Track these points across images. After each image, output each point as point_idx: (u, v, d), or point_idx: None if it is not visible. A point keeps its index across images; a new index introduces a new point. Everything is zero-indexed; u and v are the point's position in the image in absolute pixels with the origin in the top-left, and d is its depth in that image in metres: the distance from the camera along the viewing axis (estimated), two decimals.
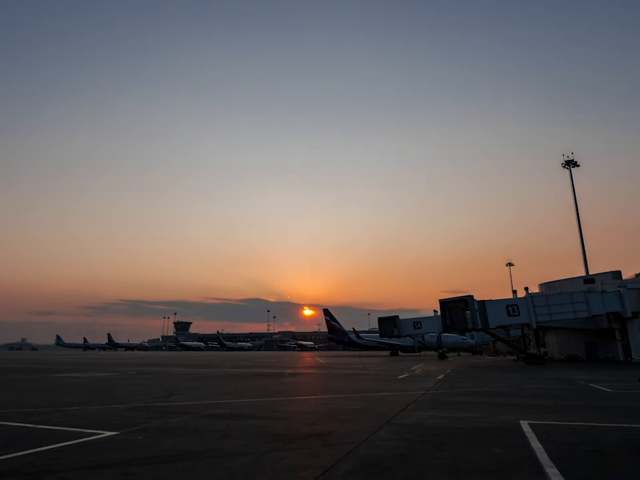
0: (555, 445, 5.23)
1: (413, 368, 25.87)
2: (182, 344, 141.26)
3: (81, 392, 12.18)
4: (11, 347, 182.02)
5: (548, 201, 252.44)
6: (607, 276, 35.99)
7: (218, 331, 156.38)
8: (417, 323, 42.84)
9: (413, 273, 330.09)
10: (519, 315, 30.50)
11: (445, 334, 46.46)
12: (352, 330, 74.76)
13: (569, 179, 48.60)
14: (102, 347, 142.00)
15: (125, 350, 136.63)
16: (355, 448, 5.16)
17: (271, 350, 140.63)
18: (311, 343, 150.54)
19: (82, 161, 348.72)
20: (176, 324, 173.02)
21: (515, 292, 34.94)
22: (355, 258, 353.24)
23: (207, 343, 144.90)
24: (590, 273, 42.13)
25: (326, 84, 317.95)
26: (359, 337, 72.91)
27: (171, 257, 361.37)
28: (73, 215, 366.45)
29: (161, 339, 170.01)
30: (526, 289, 32.71)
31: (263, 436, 5.90)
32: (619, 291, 30.93)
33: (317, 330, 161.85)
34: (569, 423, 6.88)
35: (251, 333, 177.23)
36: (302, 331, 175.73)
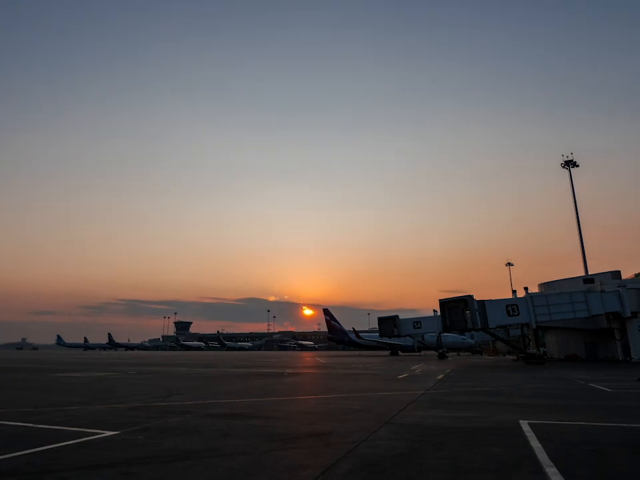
0: (554, 445, 5.24)
1: (413, 368, 25.88)
2: (182, 344, 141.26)
3: (81, 391, 12.19)
4: (19, 347, 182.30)
5: (547, 201, 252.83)
6: (607, 276, 36.01)
7: (218, 331, 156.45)
8: (417, 322, 42.90)
9: (413, 272, 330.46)
10: (518, 314, 30.52)
11: (444, 334, 46.51)
12: (352, 330, 74.77)
13: (569, 179, 48.65)
14: (102, 347, 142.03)
15: (126, 350, 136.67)
16: (355, 447, 5.17)
17: (271, 350, 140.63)
18: (311, 342, 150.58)
19: (81, 161, 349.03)
20: (176, 324, 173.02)
21: (514, 292, 34.94)
22: (354, 258, 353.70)
23: (207, 343, 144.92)
24: (589, 273, 42.15)
25: (325, 84, 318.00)
26: (359, 337, 72.95)
27: (170, 257, 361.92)
28: (71, 215, 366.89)
29: (161, 339, 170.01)
30: (525, 288, 32.73)
31: (263, 435, 5.91)
32: (618, 290, 30.96)
33: (317, 330, 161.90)
34: (568, 423, 6.89)
35: (251, 333, 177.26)
36: (302, 330, 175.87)
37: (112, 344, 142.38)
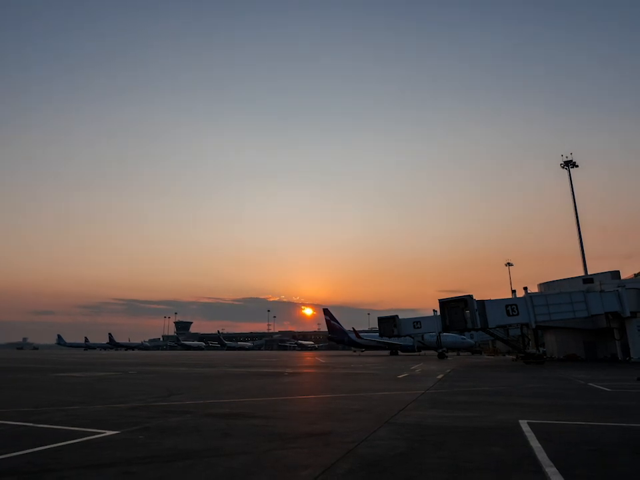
0: (553, 444, 5.25)
1: (413, 367, 25.90)
2: (182, 343, 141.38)
3: (81, 391, 12.19)
4: (19, 347, 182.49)
5: (547, 201, 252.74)
6: (606, 276, 36.05)
7: (218, 331, 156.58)
8: (417, 322, 42.91)
9: (413, 272, 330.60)
10: (518, 314, 30.56)
11: (444, 333, 46.58)
12: (352, 329, 74.85)
13: (568, 180, 48.69)
14: (103, 347, 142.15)
15: (126, 349, 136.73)
16: (355, 447, 5.17)
17: (271, 349, 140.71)
18: (311, 342, 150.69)
19: (80, 161, 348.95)
20: (177, 323, 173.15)
21: (514, 292, 35.00)
22: (354, 257, 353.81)
23: (208, 343, 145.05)
24: (589, 273, 42.16)
25: (325, 83, 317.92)
26: (359, 337, 73.02)
27: (170, 257, 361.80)
28: (71, 215, 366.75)
29: (161, 339, 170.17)
30: (525, 288, 32.77)
31: (263, 435, 5.92)
32: (617, 290, 31.00)
33: (317, 329, 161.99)
34: (568, 422, 6.90)
35: (251, 333, 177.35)
36: (302, 330, 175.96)
37: (112, 344, 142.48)
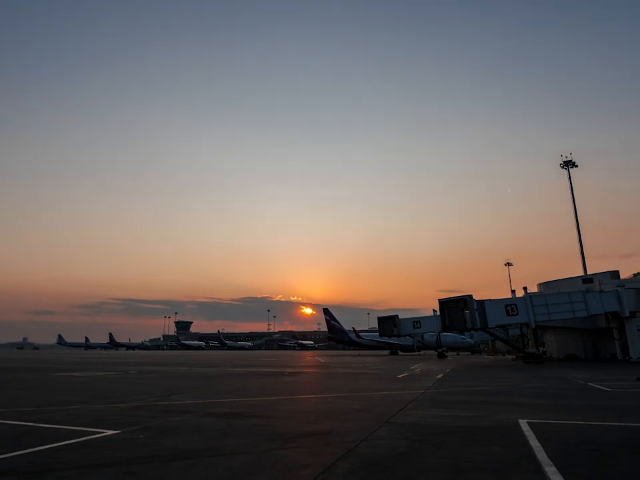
0: (553, 444, 5.26)
1: (413, 367, 25.92)
2: (183, 343, 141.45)
3: (82, 391, 12.20)
4: (20, 347, 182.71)
5: (547, 201, 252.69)
6: (605, 276, 36.08)
7: (219, 330, 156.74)
8: (417, 322, 42.94)
9: (413, 272, 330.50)
10: (517, 314, 30.58)
11: (444, 333, 46.61)
12: (352, 329, 74.89)
13: (568, 180, 48.74)
14: (103, 347, 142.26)
15: (126, 349, 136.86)
16: (355, 447, 5.18)
17: (271, 349, 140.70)
18: (311, 342, 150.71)
19: (79, 162, 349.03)
20: (177, 323, 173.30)
21: (513, 292, 34.98)
22: (354, 257, 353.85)
23: (208, 342, 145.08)
24: (588, 273, 42.19)
25: (324, 83, 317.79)
26: (359, 337, 73.05)
27: (170, 257, 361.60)
28: (71, 215, 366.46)
29: (162, 339, 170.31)
30: (524, 288, 32.79)
31: (263, 435, 5.93)
32: (617, 290, 31.03)
33: (316, 329, 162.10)
34: (567, 422, 6.91)
35: (251, 332, 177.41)
36: (302, 330, 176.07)
37: (113, 343, 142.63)
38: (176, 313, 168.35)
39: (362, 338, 73.16)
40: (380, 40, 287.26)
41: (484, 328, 31.78)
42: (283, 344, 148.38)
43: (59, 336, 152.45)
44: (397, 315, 44.52)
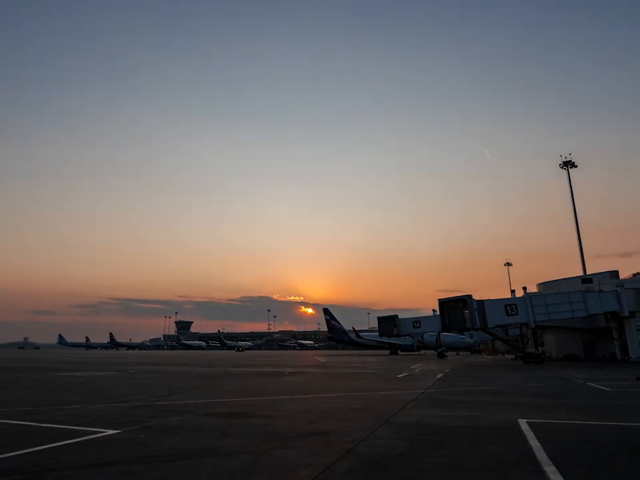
0: (553, 444, 5.27)
1: (412, 367, 25.93)
2: (183, 343, 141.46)
3: (82, 391, 12.21)
4: (21, 346, 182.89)
5: (546, 202, 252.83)
6: (605, 276, 36.10)
7: (219, 330, 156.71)
8: (417, 322, 42.91)
9: (413, 272, 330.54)
10: (517, 314, 30.59)
11: (444, 333, 46.61)
12: (352, 329, 74.89)
13: (567, 180, 48.77)
14: (104, 346, 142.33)
15: (127, 349, 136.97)
16: (355, 446, 5.19)
17: (271, 349, 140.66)
18: (311, 342, 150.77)
19: (78, 162, 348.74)
20: (177, 323, 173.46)
21: (513, 292, 35.01)
22: (354, 257, 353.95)
23: (208, 342, 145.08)
24: (587, 273, 42.23)
25: (325, 82, 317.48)
26: (359, 336, 73.05)
27: (170, 257, 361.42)
28: (70, 216, 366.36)
29: (162, 338, 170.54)
30: (524, 288, 32.80)
31: (263, 435, 5.93)
32: (616, 290, 31.04)
33: (316, 329, 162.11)
34: (567, 422, 6.92)
35: (251, 332, 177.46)
36: (302, 330, 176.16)
37: (113, 343, 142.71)
38: (176, 313, 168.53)
39: (362, 338, 73.13)
40: (380, 40, 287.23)
41: (483, 328, 31.78)
42: (283, 344, 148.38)
43: (60, 336, 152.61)
44: (396, 315, 44.51)
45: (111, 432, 6.08)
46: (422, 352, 64.80)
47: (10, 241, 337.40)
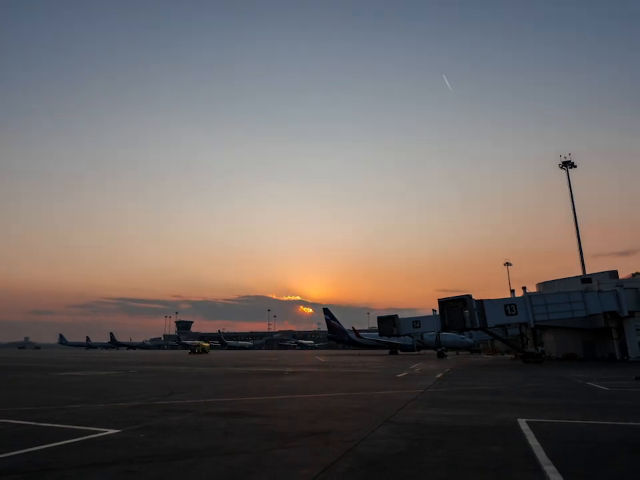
0: (552, 443, 5.28)
1: (412, 367, 25.94)
2: (183, 343, 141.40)
3: (83, 390, 12.21)
4: (21, 346, 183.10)
5: (546, 202, 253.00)
6: (604, 275, 36.14)
7: (219, 330, 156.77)
8: (416, 322, 42.92)
9: (412, 272, 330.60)
10: (516, 314, 30.62)
11: (443, 333, 46.62)
12: (352, 329, 74.90)
13: (566, 180, 48.81)
14: (104, 346, 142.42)
15: (127, 349, 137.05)
16: (355, 446, 5.20)
17: (271, 349, 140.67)
18: (311, 341, 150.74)
19: (80, 162, 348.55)
20: (177, 323, 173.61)
21: (512, 291, 35.03)
22: (354, 257, 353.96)
23: (208, 342, 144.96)
24: (587, 273, 42.27)
25: (324, 81, 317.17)
26: (359, 336, 73.08)
27: (169, 257, 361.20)
28: (69, 216, 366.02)
29: (163, 338, 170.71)
30: (524, 288, 32.82)
31: (264, 434, 5.94)
32: (615, 290, 31.06)
33: (316, 329, 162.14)
34: (566, 421, 6.94)
35: (251, 332, 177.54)
36: (302, 330, 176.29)
37: (114, 343, 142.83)
38: (177, 313, 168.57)
39: (362, 337, 73.16)
40: (380, 39, 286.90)
41: (483, 327, 31.80)
42: (283, 343, 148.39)
43: (60, 335, 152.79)
44: (396, 315, 44.52)
45: (111, 431, 6.09)
46: (422, 352, 64.84)
47: (10, 241, 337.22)
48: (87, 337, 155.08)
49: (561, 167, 49.43)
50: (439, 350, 48.45)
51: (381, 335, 48.30)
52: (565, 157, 49.33)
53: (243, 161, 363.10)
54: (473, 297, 30.94)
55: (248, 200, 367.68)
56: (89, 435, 5.87)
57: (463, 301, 30.92)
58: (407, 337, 54.79)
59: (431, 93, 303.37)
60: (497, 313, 30.63)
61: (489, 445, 5.26)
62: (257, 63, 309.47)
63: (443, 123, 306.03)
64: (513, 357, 38.37)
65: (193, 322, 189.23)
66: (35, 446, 5.17)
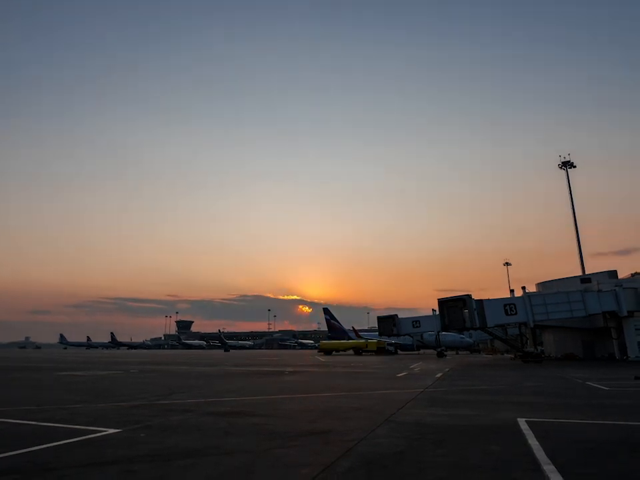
0: (552, 443, 5.29)
1: (412, 366, 25.97)
2: (184, 342, 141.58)
3: (84, 390, 12.23)
4: (22, 346, 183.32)
5: (545, 202, 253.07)
6: (603, 275, 36.17)
7: (219, 330, 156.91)
8: (416, 321, 42.97)
9: (412, 272, 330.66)
10: (516, 314, 30.66)
11: (443, 333, 46.62)
12: (351, 329, 74.94)
13: (566, 180, 48.86)
14: (105, 346, 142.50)
15: (128, 348, 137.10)
16: (355, 445, 5.21)
17: (271, 348, 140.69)
18: (312, 341, 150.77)
19: (79, 162, 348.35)
20: (178, 323, 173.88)
21: (512, 291, 35.06)
22: (354, 257, 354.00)
23: (209, 342, 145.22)
24: (586, 272, 42.31)
25: (324, 80, 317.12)
26: (359, 336, 73.06)
27: (169, 257, 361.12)
28: (69, 216, 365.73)
29: (163, 338, 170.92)
30: (523, 288, 32.86)
31: (264, 434, 5.96)
32: (614, 290, 31.09)
33: (316, 329, 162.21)
34: (565, 421, 6.95)
35: (252, 332, 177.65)
36: (302, 329, 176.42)
37: (114, 343, 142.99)
38: (177, 313, 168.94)
39: (362, 337, 73.23)
40: (379, 38, 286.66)
41: (483, 327, 31.83)
42: (283, 343, 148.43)
43: (61, 335, 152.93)
44: (396, 315, 44.55)
45: (112, 431, 6.10)
46: (421, 351, 64.90)
47: (10, 242, 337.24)
48: (88, 336, 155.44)
49: (561, 167, 49.49)
50: (439, 350, 48.48)
51: (380, 334, 48.35)
52: (565, 157, 49.43)
53: (238, 160, 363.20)
54: (473, 297, 30.97)
55: (248, 199, 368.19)
56: (90, 434, 5.88)
57: (463, 301, 30.96)
58: (406, 336, 54.83)
59: (430, 92, 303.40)
60: (496, 312, 30.66)
61: (488, 445, 5.27)
62: (253, 62, 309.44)
63: (442, 123, 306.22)
64: (512, 356, 38.40)
65: (193, 322, 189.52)
66: (35, 445, 5.17)
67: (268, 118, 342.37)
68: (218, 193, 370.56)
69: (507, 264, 71.01)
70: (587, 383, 14.17)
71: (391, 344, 61.19)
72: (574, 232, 47.08)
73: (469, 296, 30.94)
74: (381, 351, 59.39)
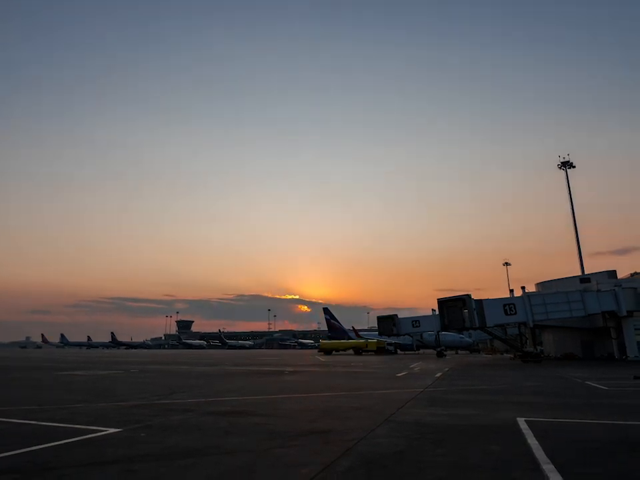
0: (551, 442, 5.31)
1: (412, 366, 25.99)
2: (184, 342, 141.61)
3: (84, 389, 12.24)
4: (23, 346, 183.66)
5: (545, 202, 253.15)
6: (603, 275, 36.24)
7: (220, 330, 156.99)
8: (416, 321, 43.00)
9: (412, 272, 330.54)
10: (516, 313, 30.69)
11: (443, 332, 46.63)
12: (351, 328, 75.03)
13: (565, 180, 48.91)
14: (105, 346, 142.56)
15: (128, 348, 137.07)
16: (355, 445, 5.22)
17: (271, 348, 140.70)
18: (311, 341, 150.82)
19: (79, 162, 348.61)
20: (178, 322, 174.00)
21: (512, 291, 35.07)
22: (354, 257, 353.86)
23: (209, 342, 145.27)
24: (586, 272, 42.35)
25: (323, 79, 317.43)
26: (359, 336, 73.13)
27: (168, 256, 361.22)
28: (68, 216, 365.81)
29: (163, 337, 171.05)
30: (523, 288, 32.88)
31: (264, 433, 5.97)
32: (614, 290, 31.15)
33: (316, 328, 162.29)
34: (565, 420, 6.97)
35: (252, 332, 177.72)
36: (302, 329, 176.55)
37: (115, 342, 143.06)
38: (177, 312, 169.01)
39: (362, 337, 73.30)
40: (379, 38, 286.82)
41: (482, 327, 31.87)
42: (283, 343, 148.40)
43: (62, 335, 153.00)
44: (396, 315, 44.58)
45: (112, 430, 6.11)
46: (421, 351, 64.97)
47: (10, 242, 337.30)
48: (88, 336, 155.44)
49: (560, 168, 49.54)
50: (439, 349, 48.51)
51: (380, 334, 48.37)
52: (564, 158, 49.48)
53: (238, 160, 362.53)
54: (472, 297, 31.00)
55: (248, 199, 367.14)
56: (90, 434, 5.89)
57: (462, 301, 31.00)
58: (406, 336, 54.89)
59: (430, 92, 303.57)
60: (496, 312, 30.70)
61: (488, 444, 5.29)
62: (253, 62, 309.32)
63: (442, 123, 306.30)
64: (512, 356, 38.44)
65: (193, 322, 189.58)
66: (35, 445, 5.18)
67: (268, 118, 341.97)
68: (218, 192, 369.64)
69: (507, 264, 71.09)
70: (587, 382, 14.19)
71: (390, 344, 61.19)
72: (573, 232, 47.20)
73: (468, 296, 30.97)
74: (380, 350, 59.33)
